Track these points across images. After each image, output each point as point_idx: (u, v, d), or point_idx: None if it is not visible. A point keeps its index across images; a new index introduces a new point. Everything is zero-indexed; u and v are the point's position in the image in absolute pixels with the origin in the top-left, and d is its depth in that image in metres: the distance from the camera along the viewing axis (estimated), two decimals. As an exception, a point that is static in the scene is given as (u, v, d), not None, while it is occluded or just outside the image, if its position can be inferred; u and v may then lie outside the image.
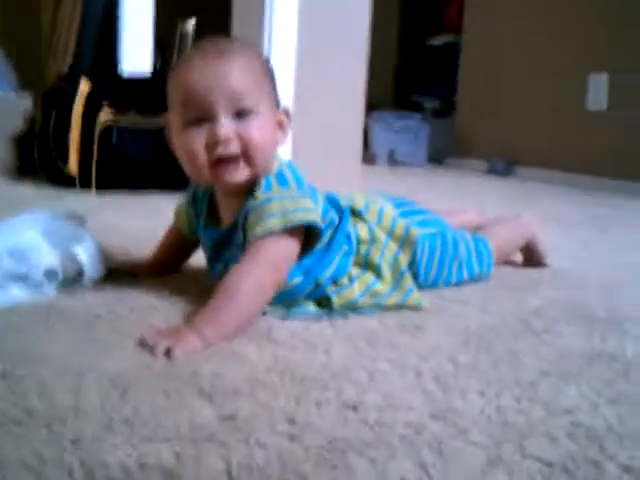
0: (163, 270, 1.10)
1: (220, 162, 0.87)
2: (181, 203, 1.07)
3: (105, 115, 2.02)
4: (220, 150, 0.86)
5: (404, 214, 1.09)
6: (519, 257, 1.33)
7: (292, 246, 0.89)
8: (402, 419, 0.62)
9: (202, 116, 0.86)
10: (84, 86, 2.05)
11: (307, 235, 0.91)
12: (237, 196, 0.92)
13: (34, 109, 2.39)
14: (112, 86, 2.11)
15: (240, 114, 0.87)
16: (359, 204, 1.03)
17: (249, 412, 0.62)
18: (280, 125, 0.94)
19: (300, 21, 1.97)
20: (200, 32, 3.86)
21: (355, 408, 0.64)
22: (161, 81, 2.40)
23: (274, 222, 0.87)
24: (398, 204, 1.11)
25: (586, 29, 3.00)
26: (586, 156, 3.00)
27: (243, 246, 0.90)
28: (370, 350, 0.80)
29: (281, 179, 0.92)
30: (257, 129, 0.87)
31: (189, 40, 3.91)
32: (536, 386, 0.72)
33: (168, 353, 0.74)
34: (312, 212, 0.90)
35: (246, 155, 0.88)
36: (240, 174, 0.89)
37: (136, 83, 2.18)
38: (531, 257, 1.31)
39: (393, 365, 0.76)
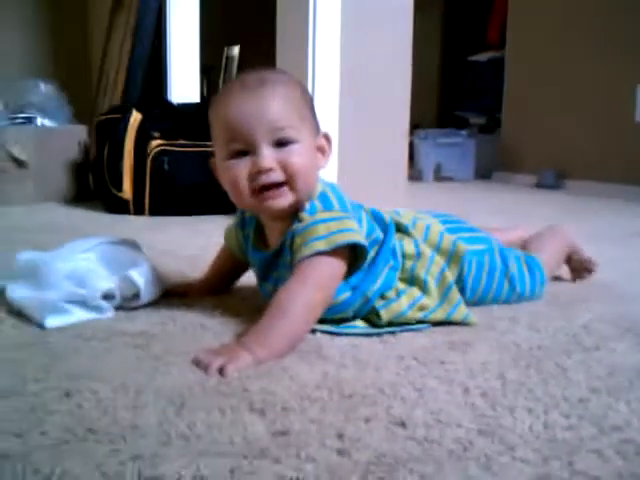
0: (214, 290, 1.14)
1: (263, 189, 0.90)
2: (230, 225, 1.10)
3: (156, 143, 2.09)
4: (263, 179, 0.90)
5: (451, 230, 1.09)
6: (564, 271, 1.31)
7: (338, 265, 0.91)
8: (450, 435, 0.63)
9: (244, 148, 0.90)
10: (135, 117, 2.13)
11: (353, 254, 0.93)
12: (282, 220, 0.95)
13: (89, 139, 2.49)
14: (162, 116, 2.18)
15: (281, 143, 0.90)
16: (406, 220, 1.05)
17: (299, 427, 0.64)
18: (321, 150, 0.97)
19: (343, 41, 2.00)
20: (245, 57, 3.96)
21: (403, 424, 0.65)
22: (208, 107, 2.47)
23: (320, 243, 0.89)
24: (446, 221, 1.12)
25: (632, 39, 2.96)
26: (635, 168, 2.94)
27: (291, 267, 0.93)
28: (419, 367, 0.81)
29: (325, 201, 0.94)
30: (298, 156, 0.90)
31: (235, 65, 4.01)
32: (585, 403, 0.71)
33: (221, 371, 0.77)
34: (356, 233, 0.92)
35: (289, 182, 0.91)
36: (284, 200, 0.91)
37: (184, 111, 2.25)
38: (577, 266, 1.30)
39: (441, 382, 0.76)
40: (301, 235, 0.91)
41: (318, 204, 0.93)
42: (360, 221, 0.97)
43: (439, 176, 3.65)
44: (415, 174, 3.55)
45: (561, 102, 3.36)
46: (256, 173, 0.89)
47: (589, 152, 3.19)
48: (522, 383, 0.77)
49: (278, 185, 0.90)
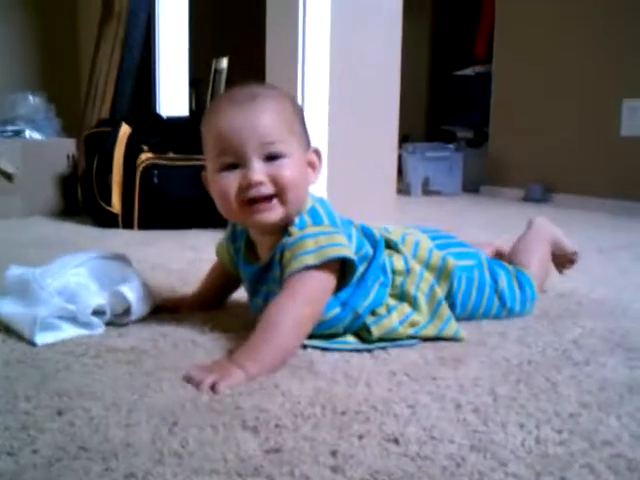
0: (207, 305, 1.13)
1: (253, 202, 0.91)
2: (222, 239, 1.10)
3: (145, 157, 2.09)
4: (253, 192, 0.90)
5: (441, 246, 1.10)
6: (551, 281, 1.32)
7: (328, 280, 0.92)
8: (443, 451, 0.63)
9: (235, 161, 0.90)
10: (124, 130, 2.13)
11: (342, 269, 0.94)
12: (271, 234, 0.95)
13: (77, 152, 2.48)
14: (151, 129, 2.18)
15: (271, 157, 0.90)
16: (395, 237, 1.05)
17: (293, 445, 0.64)
18: (311, 165, 0.97)
19: (332, 56, 2.02)
20: (234, 70, 3.97)
21: (396, 441, 0.65)
22: (197, 121, 2.47)
23: (309, 257, 0.89)
24: (435, 237, 1.13)
25: (618, 55, 3.00)
26: (621, 182, 2.97)
27: (281, 282, 0.93)
28: (410, 383, 0.82)
29: (314, 216, 0.95)
30: (288, 170, 0.91)
31: (223, 78, 4.01)
32: (576, 417, 0.72)
33: (213, 388, 0.77)
34: (345, 247, 0.92)
35: (279, 195, 0.91)
36: (273, 214, 0.92)
37: (174, 124, 2.25)
38: (561, 260, 1.31)
39: (433, 398, 0.77)
40: (290, 249, 0.92)
41: (308, 219, 0.94)
42: (350, 237, 0.97)
43: (427, 190, 3.67)
44: (403, 188, 3.56)
45: (548, 116, 3.40)
46: (246, 186, 0.90)
47: (576, 166, 3.22)
48: (513, 398, 0.77)
49: (268, 198, 0.91)
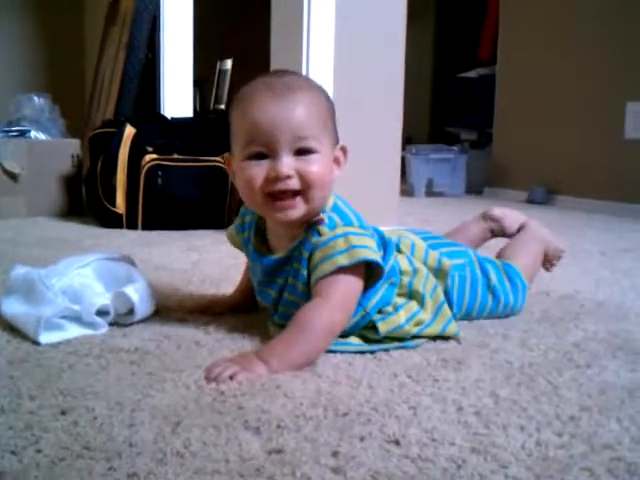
0: (241, 308, 1.13)
1: (277, 195, 0.90)
2: (230, 229, 1.09)
3: (149, 158, 2.10)
4: (279, 185, 0.89)
5: (432, 247, 1.11)
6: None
7: (357, 284, 0.92)
8: (444, 453, 0.64)
9: (264, 151, 0.89)
10: (129, 131, 2.13)
11: (367, 271, 0.94)
12: (292, 226, 0.94)
13: (82, 153, 2.49)
14: (155, 130, 2.19)
15: (301, 152, 0.89)
16: (393, 239, 1.05)
17: (294, 446, 0.64)
18: (336, 161, 0.96)
19: (337, 60, 2.02)
20: (238, 71, 3.98)
21: (398, 442, 0.66)
22: (201, 122, 2.48)
23: (342, 257, 0.90)
24: (425, 238, 1.13)
25: (622, 57, 3.00)
26: (624, 184, 2.97)
27: (305, 280, 0.93)
28: (412, 384, 0.82)
29: (342, 215, 0.95)
30: (316, 167, 0.90)
31: (227, 79, 4.02)
32: (577, 421, 0.72)
33: (232, 378, 0.79)
34: (374, 251, 0.92)
35: (304, 191, 0.90)
36: (295, 211, 0.91)
37: (178, 125, 2.26)
38: (548, 259, 1.31)
39: (435, 399, 0.77)
40: (322, 249, 0.91)
41: (337, 218, 0.94)
42: (373, 237, 0.97)
43: (430, 191, 3.67)
44: (407, 189, 3.57)
45: (552, 118, 3.40)
46: (273, 178, 0.89)
47: (579, 168, 3.22)
48: (514, 401, 0.77)
49: (292, 194, 0.90)
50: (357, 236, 0.92)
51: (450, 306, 1.06)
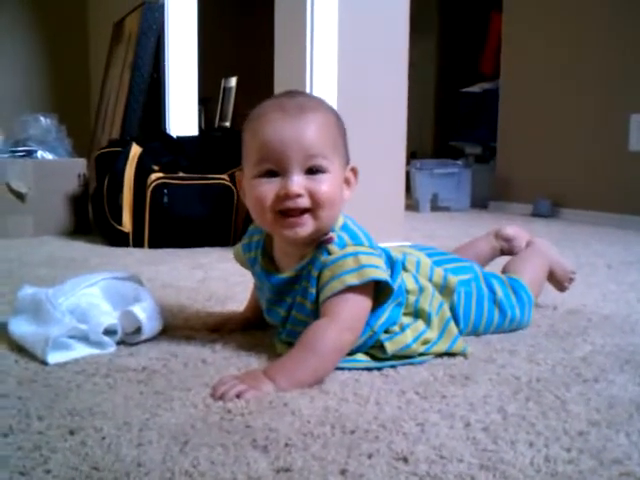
0: (251, 325, 1.13)
1: (286, 213, 0.91)
2: (237, 247, 1.10)
3: (155, 177, 2.11)
4: (289, 203, 0.90)
5: (437, 263, 1.11)
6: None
7: (366, 303, 0.92)
8: (452, 470, 0.64)
9: (275, 169, 0.90)
10: (135, 150, 2.15)
11: (375, 291, 0.94)
12: (301, 245, 0.95)
13: (88, 172, 2.51)
14: (161, 149, 2.21)
15: (312, 171, 0.90)
16: (398, 257, 1.06)
17: (302, 464, 0.64)
18: (347, 182, 0.97)
19: (340, 76, 2.04)
20: (242, 89, 4.00)
21: (406, 460, 0.66)
22: (206, 140, 2.49)
23: (351, 276, 0.90)
24: (431, 254, 1.14)
25: (626, 69, 3.01)
26: (630, 196, 2.97)
27: (316, 299, 0.93)
28: (420, 401, 0.82)
29: (352, 235, 0.95)
30: (327, 186, 0.91)
31: (232, 96, 4.05)
32: (585, 436, 0.72)
33: (238, 396, 0.79)
34: (383, 271, 0.93)
35: (313, 210, 0.91)
36: (304, 229, 0.92)
37: (184, 144, 2.28)
38: (560, 279, 1.31)
39: (443, 416, 0.77)
40: (330, 268, 0.92)
41: (346, 237, 0.94)
42: (380, 257, 0.97)
43: (436, 206, 3.67)
44: (412, 204, 3.57)
45: (555, 131, 3.41)
46: (283, 196, 0.90)
47: (584, 181, 3.22)
48: (522, 416, 0.77)
49: (302, 212, 0.91)
50: (367, 255, 0.92)
51: (457, 322, 1.06)
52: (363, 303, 0.92)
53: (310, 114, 0.91)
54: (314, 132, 0.90)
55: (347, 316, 0.90)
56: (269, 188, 0.90)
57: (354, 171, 0.98)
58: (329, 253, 0.93)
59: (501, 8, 3.78)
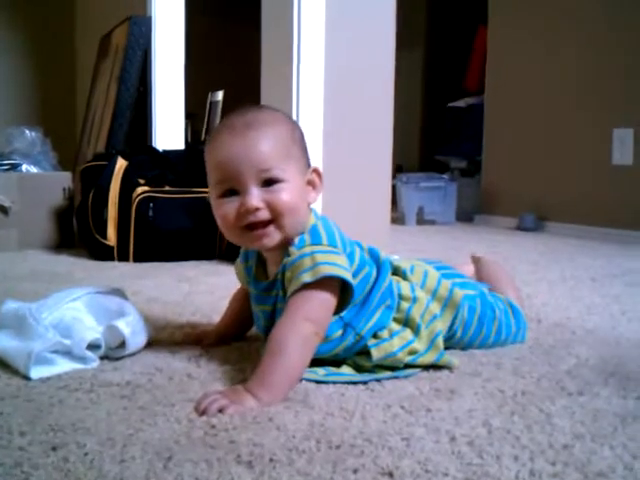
0: (229, 338, 1.13)
1: (251, 227, 0.93)
2: (237, 261, 1.11)
3: (140, 190, 2.10)
4: (250, 218, 0.92)
5: (445, 276, 1.12)
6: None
7: (327, 298, 0.92)
8: (438, 484, 0.63)
9: (233, 187, 0.93)
10: (120, 164, 2.14)
11: (342, 290, 0.95)
12: (277, 250, 0.97)
13: (73, 186, 2.49)
14: (147, 162, 2.20)
15: (268, 182, 0.92)
16: (405, 265, 1.07)
17: (288, 480, 0.64)
18: (311, 184, 0.99)
19: (326, 90, 2.05)
20: (229, 103, 4.01)
21: (391, 474, 0.65)
22: (193, 154, 2.47)
23: (306, 275, 0.91)
24: (438, 267, 1.15)
25: (609, 84, 3.05)
26: (613, 210, 3.00)
27: (284, 301, 0.94)
28: (405, 415, 0.82)
29: (314, 235, 0.96)
30: (286, 195, 0.93)
31: (219, 110, 4.06)
32: (570, 449, 0.72)
33: (221, 411, 0.79)
34: (341, 268, 0.93)
35: (275, 220, 0.93)
36: (270, 239, 0.94)
37: (170, 158, 2.27)
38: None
39: (428, 430, 0.77)
40: (290, 269, 0.93)
41: (307, 238, 0.95)
42: (352, 254, 0.98)
43: (422, 219, 3.69)
44: (398, 218, 3.59)
45: (539, 146, 3.44)
46: (244, 212, 0.92)
47: (568, 195, 3.25)
48: (507, 430, 0.77)
49: (264, 224, 0.93)
50: (323, 254, 0.93)
51: (454, 335, 1.07)
52: (321, 296, 0.92)
53: (255, 130, 0.93)
54: (262, 145, 0.92)
55: (304, 309, 0.90)
56: (230, 207, 0.93)
57: (317, 172, 1.00)
58: (288, 255, 0.95)
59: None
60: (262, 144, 0.92)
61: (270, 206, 0.92)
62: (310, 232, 0.96)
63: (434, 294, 1.06)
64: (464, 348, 1.10)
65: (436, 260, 1.22)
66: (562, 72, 3.29)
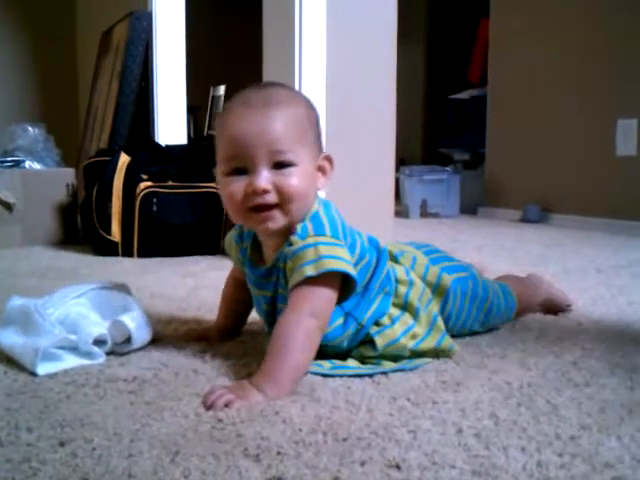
0: (230, 332, 1.13)
1: (256, 209, 0.91)
2: (229, 236, 1.09)
3: (144, 185, 2.10)
4: (257, 200, 0.91)
5: (434, 260, 1.11)
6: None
7: (329, 292, 0.92)
8: (445, 477, 0.63)
9: (243, 166, 0.91)
10: (123, 159, 2.14)
11: (343, 282, 0.94)
12: (277, 237, 0.95)
13: (76, 182, 2.50)
14: (150, 158, 2.20)
15: (279, 165, 0.90)
16: (394, 250, 1.07)
17: (295, 473, 0.64)
18: (322, 170, 0.97)
19: (329, 84, 2.04)
20: (231, 97, 4.01)
21: (398, 467, 0.65)
22: (196, 149, 2.48)
23: (309, 268, 0.89)
24: (428, 252, 1.14)
25: (612, 75, 3.03)
26: (618, 201, 2.99)
27: (285, 288, 0.94)
28: (412, 407, 0.82)
29: (317, 224, 0.94)
30: (295, 180, 0.91)
31: (221, 105, 4.05)
32: (577, 440, 0.72)
33: (227, 406, 0.79)
34: (345, 262, 0.92)
35: (282, 205, 0.91)
36: (275, 223, 0.92)
37: (173, 152, 2.27)
38: (555, 309, 1.33)
39: (435, 422, 0.77)
40: (292, 259, 0.92)
41: (310, 227, 0.93)
42: (353, 243, 0.97)
43: (425, 212, 3.68)
44: (401, 211, 3.58)
45: (543, 137, 3.43)
46: (251, 193, 0.90)
47: (572, 186, 3.24)
48: (514, 422, 0.77)
49: (270, 207, 0.91)
50: (327, 246, 0.92)
51: (448, 319, 1.07)
52: (324, 290, 0.91)
53: (274, 108, 0.90)
54: (278, 126, 0.90)
55: (309, 304, 0.90)
56: (238, 186, 0.91)
57: (328, 159, 0.98)
58: (290, 244, 0.93)
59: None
60: (278, 123, 0.90)
61: (279, 190, 0.90)
62: (312, 220, 0.94)
63: (423, 280, 1.05)
64: (458, 331, 1.11)
65: (426, 244, 1.21)
66: (565, 63, 3.28)
